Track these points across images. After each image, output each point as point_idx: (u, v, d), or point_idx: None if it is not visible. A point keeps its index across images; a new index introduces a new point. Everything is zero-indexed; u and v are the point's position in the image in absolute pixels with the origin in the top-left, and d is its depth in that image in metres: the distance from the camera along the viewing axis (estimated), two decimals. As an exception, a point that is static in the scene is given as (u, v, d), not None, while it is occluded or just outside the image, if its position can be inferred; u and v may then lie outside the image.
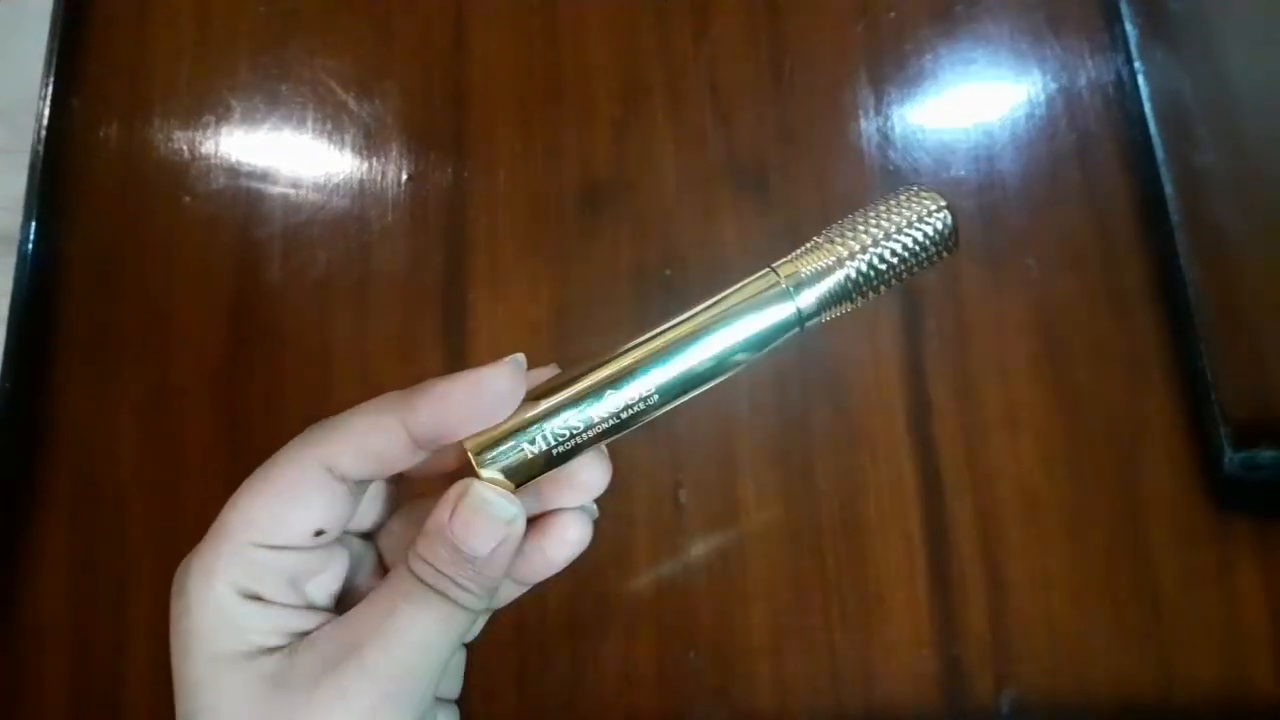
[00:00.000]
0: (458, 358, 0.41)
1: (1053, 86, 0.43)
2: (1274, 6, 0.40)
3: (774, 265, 0.25)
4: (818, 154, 0.42)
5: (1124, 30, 0.43)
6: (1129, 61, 0.42)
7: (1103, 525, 0.38)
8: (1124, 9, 0.43)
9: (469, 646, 0.29)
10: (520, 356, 0.24)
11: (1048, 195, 0.41)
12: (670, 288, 0.41)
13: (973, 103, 0.43)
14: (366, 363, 0.41)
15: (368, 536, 0.28)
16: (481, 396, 0.23)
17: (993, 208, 0.41)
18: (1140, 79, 0.42)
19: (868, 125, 0.43)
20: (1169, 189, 0.40)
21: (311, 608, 0.24)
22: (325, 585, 0.25)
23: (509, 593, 0.27)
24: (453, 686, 0.28)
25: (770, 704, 0.37)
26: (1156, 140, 0.41)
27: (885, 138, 0.42)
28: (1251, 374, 0.38)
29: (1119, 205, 0.41)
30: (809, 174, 0.42)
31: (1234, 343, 0.39)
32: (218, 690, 0.22)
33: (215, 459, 0.40)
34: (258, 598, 0.23)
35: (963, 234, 0.41)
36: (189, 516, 0.39)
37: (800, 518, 0.38)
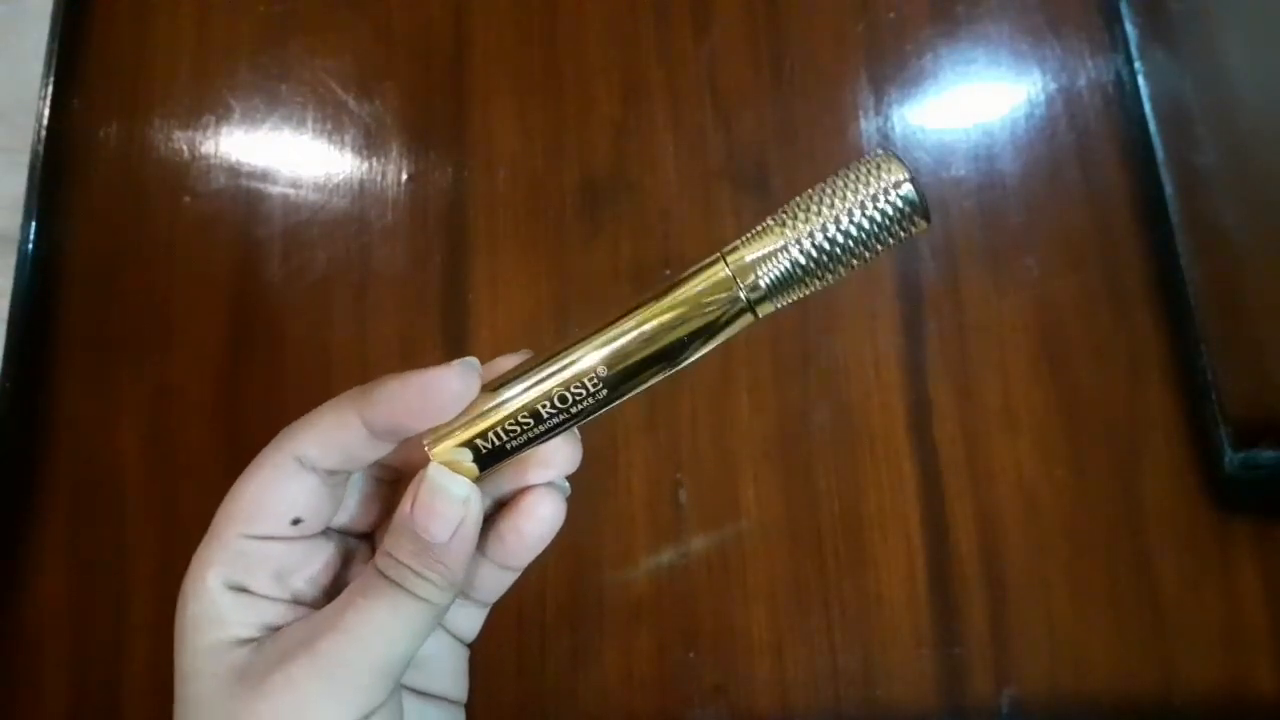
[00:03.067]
0: (457, 358, 0.41)
1: (1053, 86, 0.43)
2: (1274, 6, 0.40)
3: (723, 251, 0.23)
4: (818, 154, 0.42)
5: (1124, 30, 0.43)
6: (1129, 61, 0.42)
7: (1103, 525, 0.38)
8: (1124, 9, 0.43)
9: (471, 646, 0.29)
10: (472, 359, 0.24)
11: (1048, 195, 0.41)
12: (670, 288, 0.41)
13: (973, 103, 0.43)
14: (366, 363, 0.41)
15: (368, 538, 0.28)
16: (430, 397, 0.24)
17: (993, 208, 0.41)
18: (1140, 79, 0.42)
19: (868, 125, 0.43)
20: (1169, 189, 0.40)
21: (298, 603, 0.25)
22: (313, 580, 0.25)
23: (499, 582, 0.27)
24: (452, 687, 0.28)
25: (770, 703, 0.37)
26: (1156, 140, 0.41)
27: (885, 138, 0.42)
28: (1251, 374, 0.38)
29: (1119, 205, 0.41)
30: (809, 174, 0.42)
31: (1234, 343, 0.39)
32: (198, 681, 0.23)
33: (215, 459, 0.40)
34: (244, 590, 0.24)
35: (963, 234, 0.41)
36: (189, 516, 0.39)
37: (800, 517, 0.38)
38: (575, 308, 0.41)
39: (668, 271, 0.41)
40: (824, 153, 0.42)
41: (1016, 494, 0.38)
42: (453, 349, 0.41)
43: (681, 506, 0.39)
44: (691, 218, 0.42)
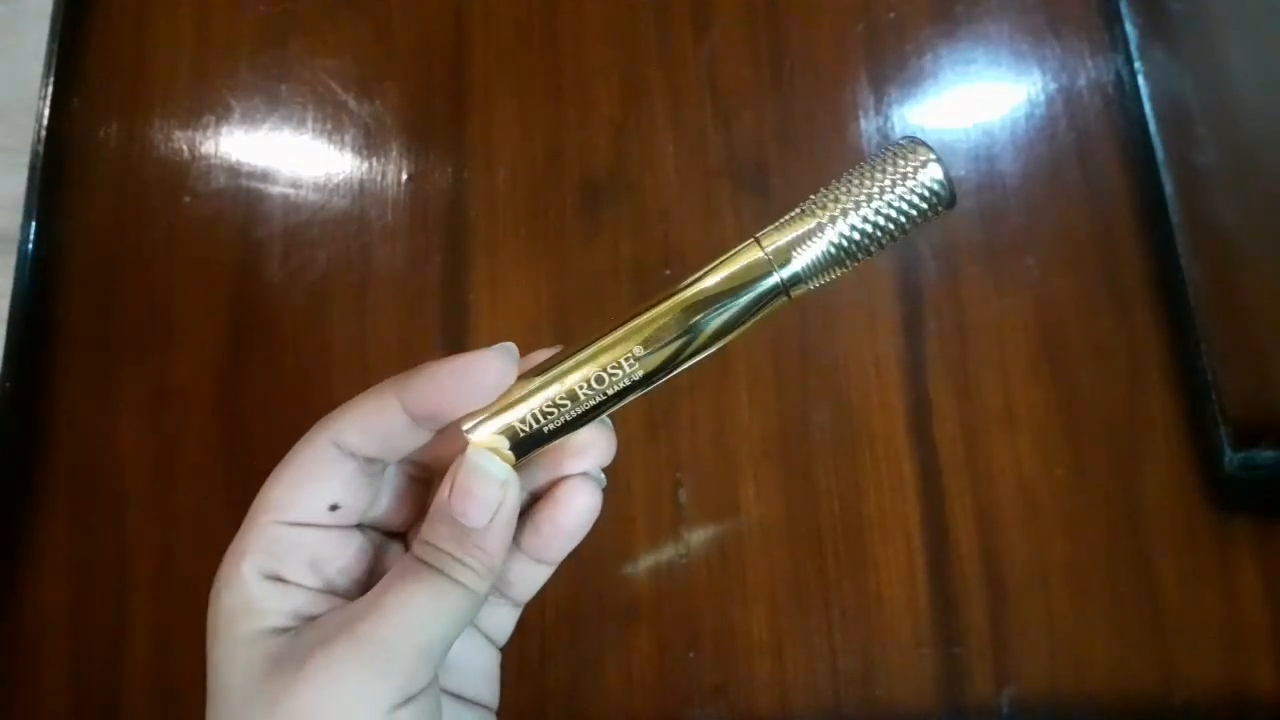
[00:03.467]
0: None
1: (1053, 86, 0.43)
2: (1274, 6, 0.40)
3: (758, 235, 0.24)
4: (818, 154, 0.42)
5: (1124, 30, 0.43)
6: (1129, 61, 0.42)
7: (1103, 525, 0.38)
8: (1124, 9, 0.43)
9: (503, 650, 0.29)
10: (511, 345, 0.24)
11: (1048, 195, 0.41)
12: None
13: (973, 103, 0.43)
14: (366, 363, 0.41)
15: (403, 539, 0.28)
16: (470, 379, 0.24)
17: (993, 208, 0.41)
18: (1140, 79, 0.42)
19: (868, 125, 0.43)
20: (1169, 189, 0.40)
21: (333, 593, 0.25)
22: (347, 571, 0.25)
23: (533, 577, 0.27)
24: (483, 690, 0.28)
25: (770, 704, 0.37)
26: (1156, 140, 0.41)
27: (885, 138, 0.42)
28: (1251, 374, 0.38)
29: (1119, 205, 0.41)
30: (809, 174, 0.42)
31: (1234, 343, 0.39)
32: (232, 671, 0.23)
33: (215, 459, 0.40)
34: (279, 579, 0.24)
35: (963, 234, 0.41)
36: (189, 516, 0.39)
37: (800, 517, 0.38)
38: (575, 307, 0.41)
39: (668, 272, 0.41)
40: (824, 153, 0.42)
41: (1016, 494, 0.38)
42: (453, 349, 0.41)
43: (681, 506, 0.39)
44: (691, 218, 0.42)
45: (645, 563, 0.38)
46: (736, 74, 0.43)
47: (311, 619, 0.24)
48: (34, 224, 0.42)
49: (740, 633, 0.37)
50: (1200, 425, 0.38)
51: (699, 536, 0.38)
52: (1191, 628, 0.37)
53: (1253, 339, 0.39)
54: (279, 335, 0.41)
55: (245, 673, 0.23)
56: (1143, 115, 0.42)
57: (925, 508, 0.38)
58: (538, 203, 0.42)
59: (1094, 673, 0.37)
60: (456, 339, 0.41)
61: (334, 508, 0.25)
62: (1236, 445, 0.38)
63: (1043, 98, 0.43)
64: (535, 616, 0.38)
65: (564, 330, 0.41)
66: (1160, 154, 0.41)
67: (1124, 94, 0.42)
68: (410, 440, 0.25)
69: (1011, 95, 0.43)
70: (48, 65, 0.44)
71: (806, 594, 0.38)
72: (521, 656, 0.37)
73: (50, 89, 0.44)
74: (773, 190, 0.42)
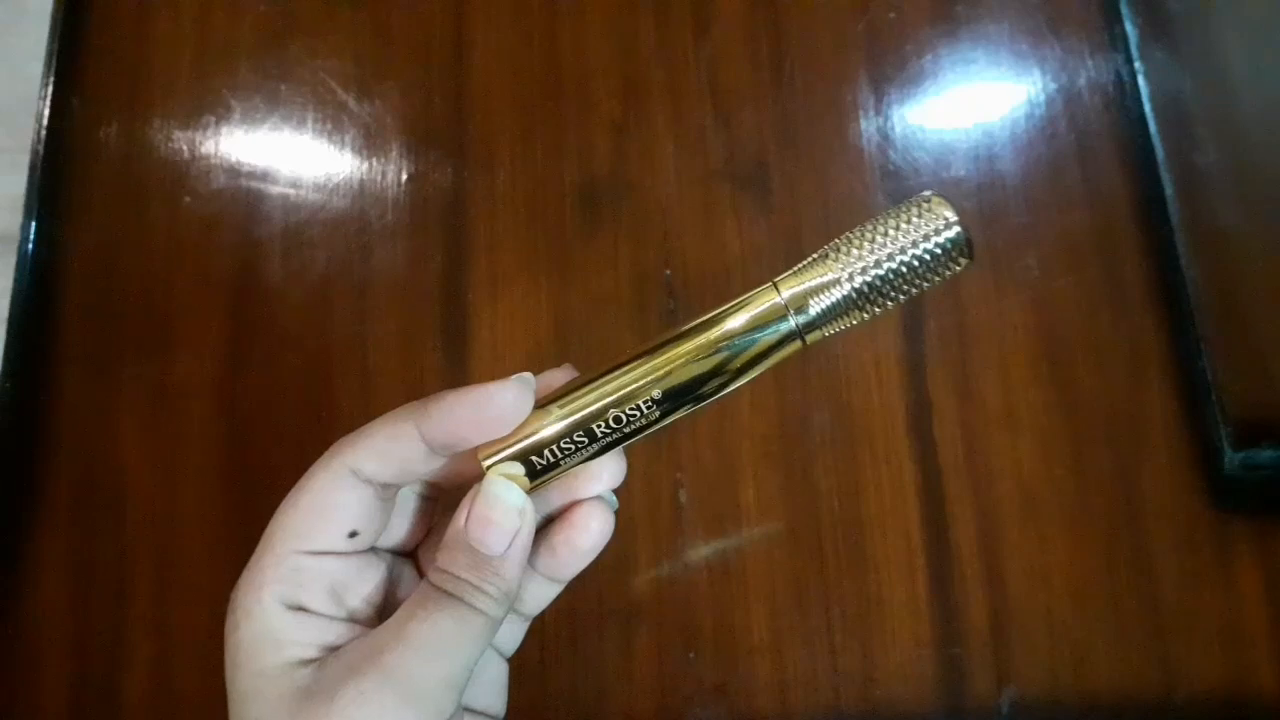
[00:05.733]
0: (457, 358, 0.41)
1: (1053, 86, 0.43)
2: (1274, 6, 0.40)
3: (776, 280, 0.25)
4: (818, 154, 0.42)
5: (1124, 30, 0.43)
6: (1129, 61, 0.42)
7: (1103, 525, 0.38)
8: (1124, 9, 0.43)
9: (510, 660, 0.29)
10: (528, 375, 0.25)
11: (1048, 195, 0.41)
12: (670, 288, 0.41)
13: (973, 103, 0.43)
14: (366, 363, 0.41)
15: (411, 556, 0.28)
16: (487, 410, 0.24)
17: (993, 208, 0.41)
18: (1140, 79, 0.42)
19: (868, 125, 0.43)
20: (1169, 189, 0.40)
21: (353, 621, 0.25)
22: (366, 597, 0.26)
23: (544, 594, 0.28)
24: (494, 702, 0.28)
25: (770, 704, 0.37)
26: (1156, 140, 0.41)
27: (885, 138, 0.42)
28: (1251, 374, 0.38)
29: (1119, 205, 0.41)
30: (809, 174, 0.42)
31: (1234, 342, 0.39)
32: (258, 704, 0.23)
33: (215, 459, 0.40)
34: (301, 609, 0.24)
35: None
36: (189, 516, 0.39)
37: (800, 517, 0.38)
38: (575, 307, 0.41)
39: (668, 271, 0.41)
40: (824, 153, 0.42)
41: (1016, 494, 0.38)
42: (452, 349, 0.41)
43: (681, 506, 0.39)
44: (691, 218, 0.42)
45: (646, 563, 0.38)
46: (736, 74, 0.43)
47: (334, 649, 0.24)
48: (34, 224, 0.42)
49: (740, 633, 0.37)
50: (1200, 425, 0.38)
51: (699, 537, 0.38)
52: (1191, 628, 0.37)
53: (1253, 339, 0.39)
54: (279, 335, 0.41)
55: (272, 705, 0.23)
56: (1143, 115, 0.42)
57: (925, 508, 0.38)
58: (537, 202, 0.42)
59: (1094, 673, 0.37)
60: (456, 339, 0.41)
61: (353, 534, 0.25)
62: (1236, 445, 0.38)
63: (1043, 98, 0.43)
64: (535, 617, 0.38)
65: (563, 330, 0.41)
66: (1160, 154, 0.41)
67: (1124, 94, 0.42)
68: (427, 466, 0.25)
69: (1011, 95, 0.43)
70: (48, 65, 0.44)
71: (806, 594, 0.38)
72: (522, 657, 0.37)
73: (50, 89, 0.44)
74: (773, 190, 0.42)
